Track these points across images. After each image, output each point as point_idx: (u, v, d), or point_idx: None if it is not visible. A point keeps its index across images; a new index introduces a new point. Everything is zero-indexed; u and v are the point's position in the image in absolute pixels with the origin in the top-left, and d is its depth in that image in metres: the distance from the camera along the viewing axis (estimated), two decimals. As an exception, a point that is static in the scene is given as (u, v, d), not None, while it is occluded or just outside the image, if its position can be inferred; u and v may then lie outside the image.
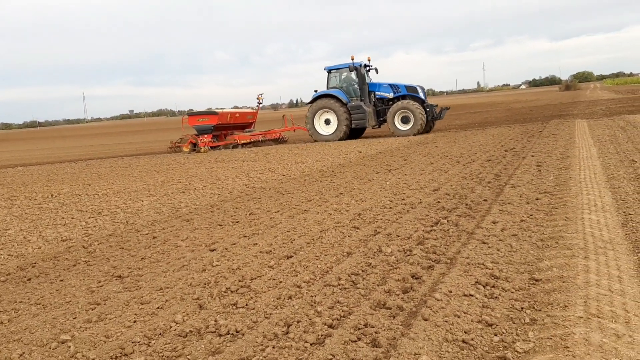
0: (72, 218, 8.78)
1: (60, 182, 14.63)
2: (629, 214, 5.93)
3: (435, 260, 4.83)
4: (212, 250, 5.99)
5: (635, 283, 4.01)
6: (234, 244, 6.18)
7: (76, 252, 6.51)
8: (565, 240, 5.10)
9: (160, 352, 3.53)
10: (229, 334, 3.66)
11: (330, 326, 3.62)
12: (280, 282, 4.63)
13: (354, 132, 23.15)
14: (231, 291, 4.51)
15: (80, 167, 19.25)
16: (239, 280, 4.74)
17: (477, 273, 4.35)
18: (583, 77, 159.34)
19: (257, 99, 25.86)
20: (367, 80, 22.88)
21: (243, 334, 3.63)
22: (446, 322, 3.49)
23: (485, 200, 7.33)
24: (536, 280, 4.15)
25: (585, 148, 12.05)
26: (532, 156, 11.28)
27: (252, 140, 24.05)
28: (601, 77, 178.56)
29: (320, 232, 6.34)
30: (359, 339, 3.38)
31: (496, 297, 3.89)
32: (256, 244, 6.05)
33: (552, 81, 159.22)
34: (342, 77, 23.41)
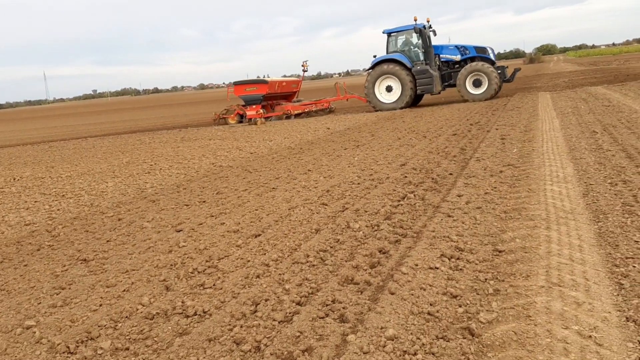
0: (35, 202, 8.59)
1: (23, 165, 14.27)
2: (590, 184, 6.06)
3: (402, 235, 4.87)
4: (179, 231, 5.93)
5: (595, 252, 4.12)
6: (201, 224, 6.13)
7: (40, 236, 6.38)
8: (528, 211, 5.21)
9: (127, 335, 3.50)
10: (196, 315, 3.65)
11: (299, 303, 3.64)
12: (248, 261, 4.62)
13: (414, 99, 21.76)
14: (198, 272, 4.49)
15: (43, 149, 18.78)
16: (206, 261, 4.71)
17: (443, 246, 4.42)
18: (547, 50, 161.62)
19: (302, 66, 24.22)
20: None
21: (210, 315, 3.62)
22: (412, 295, 3.54)
23: (450, 174, 7.41)
24: (500, 252, 4.23)
25: (548, 120, 12.25)
26: (497, 129, 11.43)
27: (306, 110, 23.04)
28: (564, 50, 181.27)
29: (289, 209, 6.33)
30: (327, 315, 3.41)
31: (461, 269, 3.95)
32: (223, 223, 6.01)
33: (516, 54, 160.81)
34: (404, 40, 21.73)
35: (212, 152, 13.05)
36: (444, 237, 4.64)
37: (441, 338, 3.04)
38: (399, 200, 6.18)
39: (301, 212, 6.10)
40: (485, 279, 3.76)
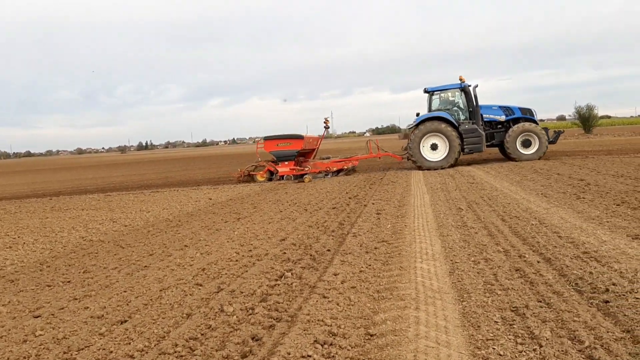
0: None
1: None
2: (455, 262, 6.40)
3: (277, 319, 4.80)
4: (37, 317, 5.43)
5: (459, 333, 4.30)
6: (62, 308, 5.66)
7: None
8: (399, 290, 5.36)
9: None
10: (45, 421, 3.29)
11: (162, 401, 3.41)
12: (111, 352, 4.30)
13: None
14: (53, 367, 4.09)
15: None
16: (64, 352, 4.33)
17: (317, 331, 4.39)
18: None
19: (324, 122, 23.12)
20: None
21: (62, 420, 3.28)
22: (283, 387, 3.44)
23: (328, 250, 7.51)
24: (371, 336, 4.28)
25: (420, 196, 12.96)
26: (373, 204, 11.87)
27: (344, 167, 22.17)
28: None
29: (160, 291, 6.04)
30: (192, 414, 3.21)
31: (333, 357, 3.93)
32: (87, 307, 5.60)
33: (392, 129, 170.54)
34: (447, 98, 21.78)
35: (84, 224, 12.30)
36: (318, 320, 4.63)
37: None
38: (277, 280, 6.13)
39: (173, 294, 5.84)
40: (357, 366, 3.77)
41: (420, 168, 21.06)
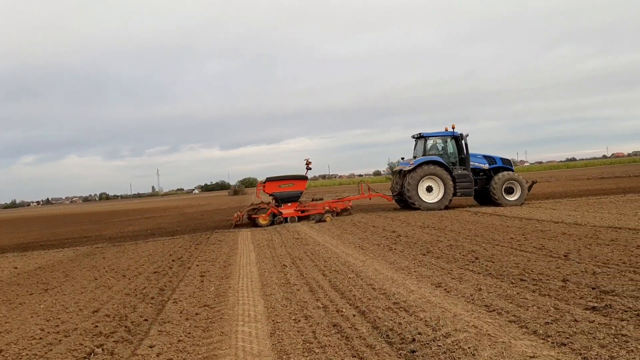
0: None
1: None
2: (277, 322, 6.42)
3: (81, 404, 4.35)
4: None
5: (277, 397, 4.25)
6: None
7: None
8: (218, 358, 5.21)
9: None
10: None
11: None
12: None
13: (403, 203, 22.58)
14: None
15: None
16: None
17: (126, 412, 4.06)
18: (249, 182, 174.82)
19: (307, 163, 21.77)
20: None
21: None
22: None
23: (145, 320, 7.10)
24: (186, 411, 4.07)
25: (246, 254, 12.94)
26: (197, 265, 11.57)
27: (347, 207, 22.21)
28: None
29: (-59, 384, 5.19)
30: None
31: None
32: None
33: (222, 186, 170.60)
34: (439, 144, 22.56)
35: None
36: (128, 401, 4.29)
37: None
38: (85, 358, 5.62)
39: (-43, 387, 5.04)
40: None
41: (416, 209, 21.73)
